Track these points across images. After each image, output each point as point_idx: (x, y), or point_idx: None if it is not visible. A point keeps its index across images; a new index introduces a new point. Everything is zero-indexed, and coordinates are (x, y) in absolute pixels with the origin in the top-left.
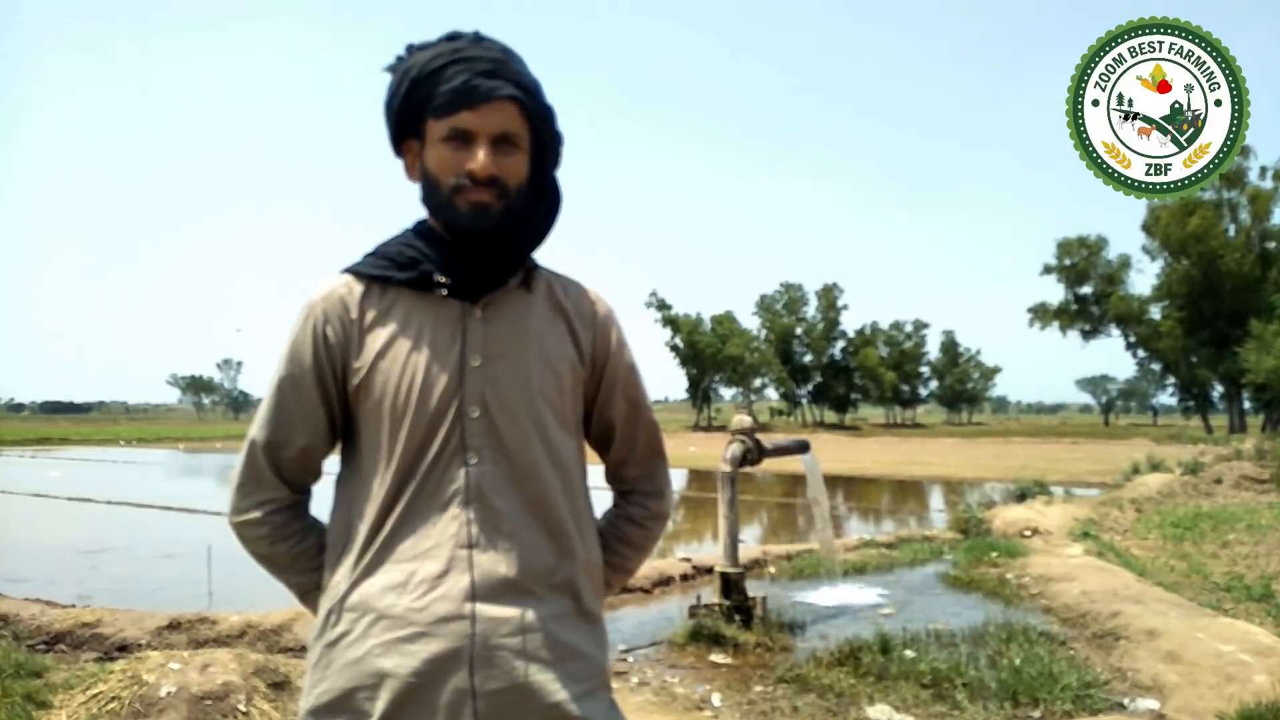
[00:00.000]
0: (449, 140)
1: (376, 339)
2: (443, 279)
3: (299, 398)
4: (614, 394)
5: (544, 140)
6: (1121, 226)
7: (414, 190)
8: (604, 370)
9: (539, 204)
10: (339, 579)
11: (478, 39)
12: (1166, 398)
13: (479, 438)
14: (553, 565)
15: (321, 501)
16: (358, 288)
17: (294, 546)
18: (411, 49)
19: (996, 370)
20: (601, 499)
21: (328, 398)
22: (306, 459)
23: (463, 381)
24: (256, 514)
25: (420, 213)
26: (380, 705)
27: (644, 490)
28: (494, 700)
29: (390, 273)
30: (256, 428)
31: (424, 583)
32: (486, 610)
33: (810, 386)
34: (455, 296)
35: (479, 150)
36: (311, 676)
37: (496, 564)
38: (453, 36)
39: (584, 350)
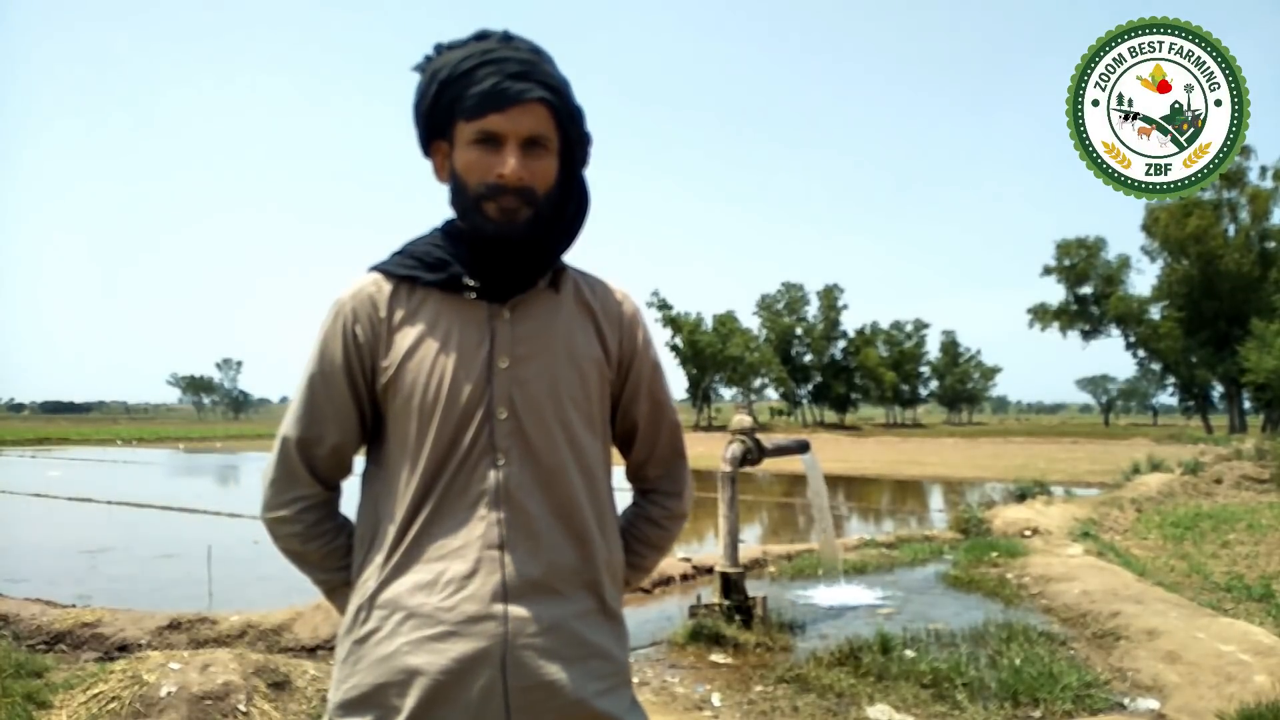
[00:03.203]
0: (478, 143)
1: (405, 339)
2: (472, 281)
3: (330, 395)
4: (639, 394)
5: (573, 141)
6: (1121, 226)
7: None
8: (630, 370)
9: (567, 205)
10: (368, 576)
11: (507, 38)
12: (1166, 398)
13: (507, 439)
14: (578, 566)
15: (349, 497)
16: (386, 286)
17: (325, 545)
18: (440, 48)
19: (996, 370)
20: (621, 497)
21: (358, 395)
22: (339, 456)
23: (491, 383)
24: (290, 511)
25: (436, 217)
26: (410, 702)
27: (664, 490)
28: (522, 698)
29: (419, 273)
30: (289, 425)
31: (452, 582)
32: (515, 610)
33: (810, 386)
34: (484, 298)
35: (508, 154)
36: (340, 671)
37: (524, 565)
38: (482, 36)
39: (610, 350)
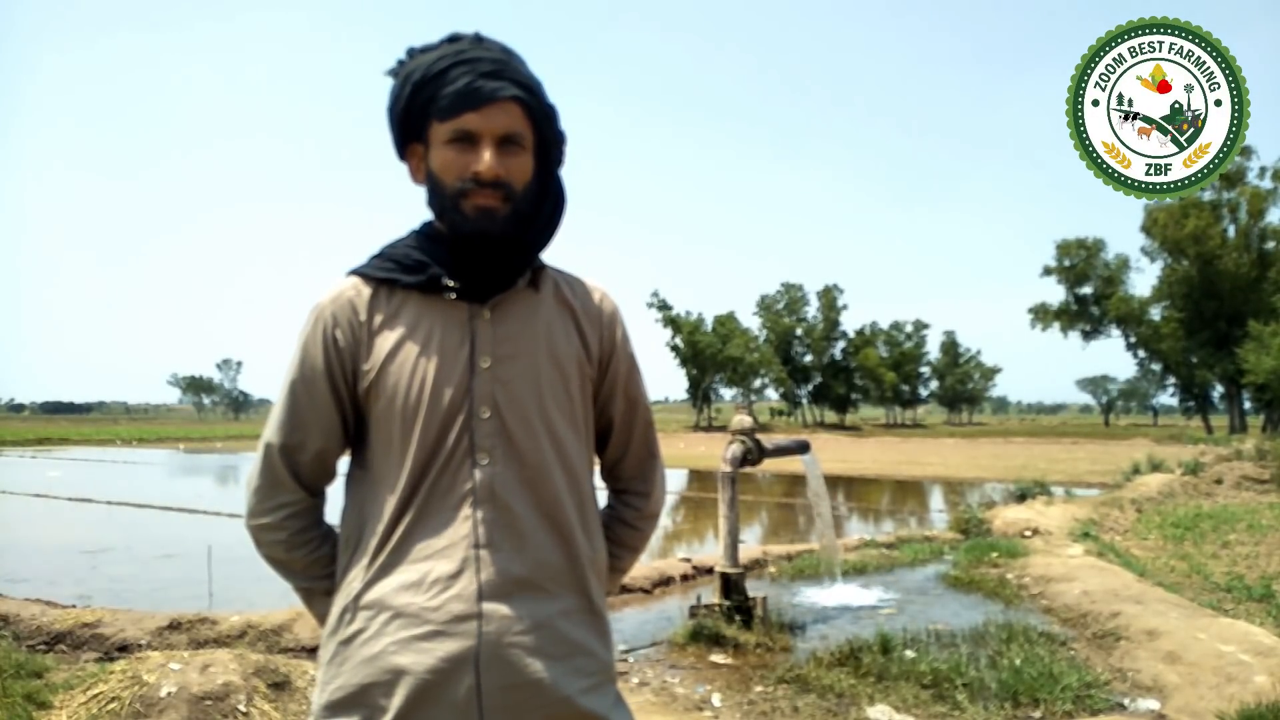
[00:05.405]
0: (453, 142)
1: (385, 342)
2: (451, 282)
3: (312, 400)
4: (615, 392)
5: (548, 140)
6: (1122, 227)
7: (417, 190)
8: (608, 368)
9: (544, 203)
10: (353, 577)
11: (479, 40)
12: (1167, 398)
13: (490, 439)
14: (564, 564)
15: (332, 502)
16: (365, 290)
17: (309, 554)
18: (412, 52)
19: (997, 370)
20: (599, 496)
21: (340, 400)
22: (322, 461)
23: (473, 383)
24: (275, 518)
25: (426, 215)
26: (396, 702)
27: (636, 490)
28: (503, 697)
29: (398, 275)
30: (271, 431)
31: (438, 582)
32: (498, 609)
33: (810, 387)
34: (463, 298)
35: (484, 151)
36: (326, 672)
37: (508, 564)
38: (454, 38)
39: (591, 348)
